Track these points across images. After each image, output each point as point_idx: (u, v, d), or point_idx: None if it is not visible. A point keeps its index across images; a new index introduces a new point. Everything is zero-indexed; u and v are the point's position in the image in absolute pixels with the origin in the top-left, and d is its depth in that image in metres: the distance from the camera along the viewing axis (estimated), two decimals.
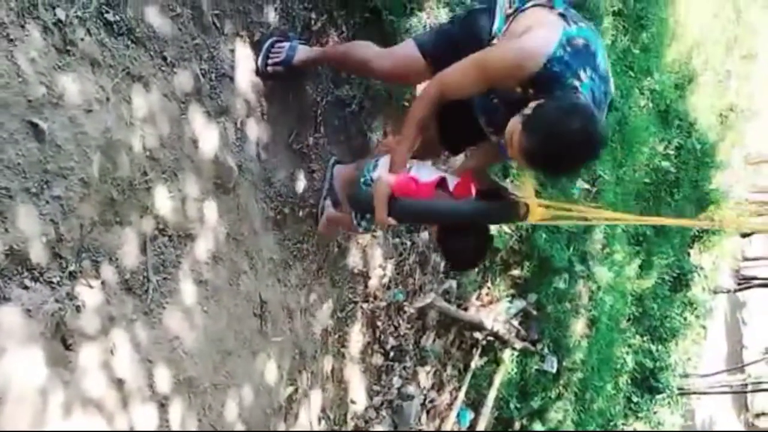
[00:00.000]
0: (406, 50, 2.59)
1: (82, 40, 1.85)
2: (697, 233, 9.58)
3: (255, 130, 2.65)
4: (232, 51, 2.48)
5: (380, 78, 3.02)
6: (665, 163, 7.87)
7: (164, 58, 2.16)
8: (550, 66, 2.12)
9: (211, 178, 2.40)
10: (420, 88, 2.88)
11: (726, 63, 10.57)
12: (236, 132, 2.53)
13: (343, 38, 3.06)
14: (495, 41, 2.37)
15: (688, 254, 9.50)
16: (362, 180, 2.62)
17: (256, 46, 2.62)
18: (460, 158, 3.34)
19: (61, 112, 1.79)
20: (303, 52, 2.73)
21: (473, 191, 2.45)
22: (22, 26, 1.70)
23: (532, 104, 2.10)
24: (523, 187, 2.11)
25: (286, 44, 2.70)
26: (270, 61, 2.67)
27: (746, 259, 17.65)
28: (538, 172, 2.29)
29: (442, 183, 2.41)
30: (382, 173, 2.47)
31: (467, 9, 2.74)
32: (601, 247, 6.44)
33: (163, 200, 2.17)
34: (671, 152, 8.04)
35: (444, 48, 2.49)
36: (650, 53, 7.19)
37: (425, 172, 2.46)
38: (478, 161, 2.81)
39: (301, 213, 3.00)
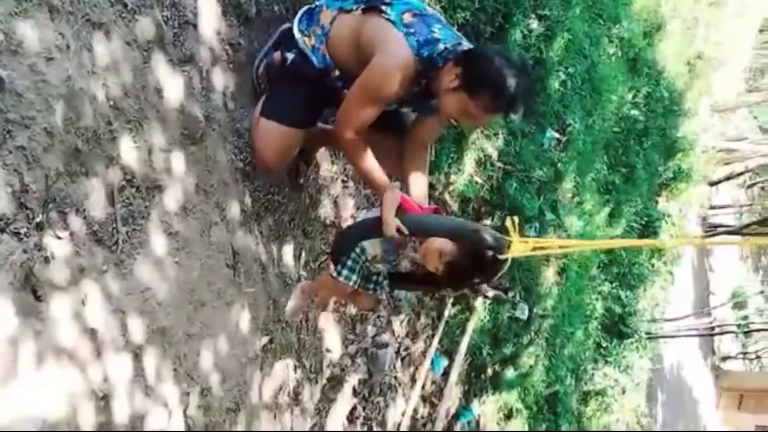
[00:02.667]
0: (273, 134, 2.64)
1: None
2: (665, 181, 9.73)
3: (221, 79, 2.62)
4: None
5: (273, 170, 2.87)
6: (634, 112, 7.95)
7: (125, 5, 2.11)
8: (421, 55, 2.34)
9: (177, 128, 2.37)
10: None
11: (694, 10, 10.60)
12: (202, 81, 2.50)
13: None
14: (321, 46, 2.55)
15: (656, 202, 9.67)
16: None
17: None
18: None
19: (20, 59, 1.75)
20: None
21: None
22: None
23: (447, 81, 2.34)
24: (508, 226, 2.25)
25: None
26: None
27: (713, 207, 18.01)
28: (505, 117, 2.40)
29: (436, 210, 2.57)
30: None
31: (271, 63, 2.76)
32: (571, 196, 6.52)
33: (129, 151, 2.14)
34: (640, 101, 8.11)
35: (300, 106, 2.66)
36: (619, 1, 7.19)
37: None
38: (420, 134, 2.78)
39: None
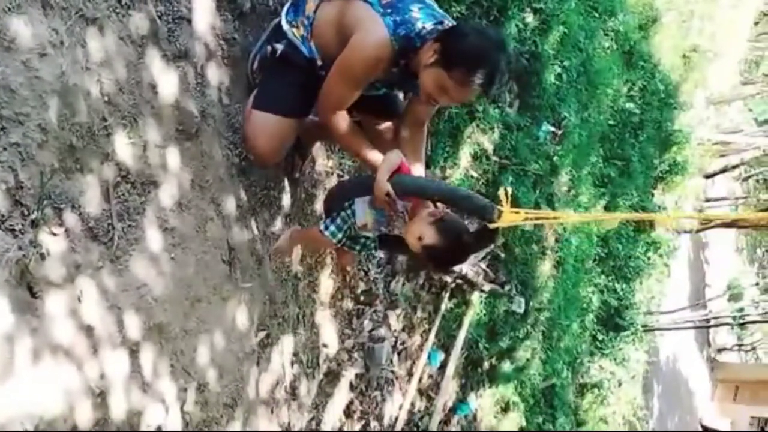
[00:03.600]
0: (266, 125, 2.62)
1: None
2: (660, 174, 9.75)
3: (216, 74, 2.61)
4: None
5: (268, 162, 2.83)
6: (629, 105, 7.95)
7: (118, 0, 2.10)
8: (397, 34, 2.32)
9: (172, 124, 2.37)
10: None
11: (689, 3, 10.59)
12: (196, 76, 2.49)
13: None
14: (308, 35, 2.54)
15: (652, 195, 9.68)
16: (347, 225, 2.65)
17: None
18: None
19: (14, 56, 1.74)
20: None
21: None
22: None
23: (425, 58, 2.33)
24: (501, 196, 2.26)
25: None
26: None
27: (708, 200, 18.04)
28: (480, 93, 2.37)
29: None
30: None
31: (265, 57, 2.73)
32: (567, 189, 6.53)
33: (124, 146, 2.13)
34: (635, 93, 8.11)
35: (293, 96, 2.64)
36: None
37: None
38: (413, 115, 2.78)
39: None
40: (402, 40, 2.34)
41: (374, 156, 2.54)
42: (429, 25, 2.36)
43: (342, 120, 2.53)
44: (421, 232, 2.44)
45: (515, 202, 2.28)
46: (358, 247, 2.82)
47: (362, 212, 2.61)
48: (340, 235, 2.67)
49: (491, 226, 2.30)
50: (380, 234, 2.76)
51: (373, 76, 2.45)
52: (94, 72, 2.01)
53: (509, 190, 2.29)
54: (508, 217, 2.27)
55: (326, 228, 2.66)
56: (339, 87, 2.45)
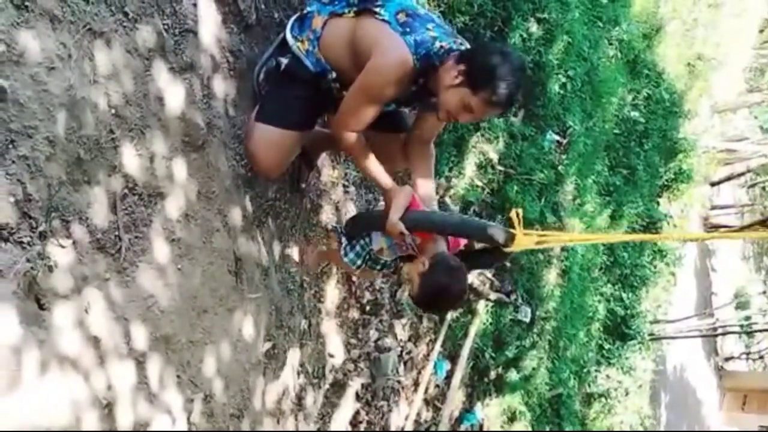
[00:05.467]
0: (270, 138, 2.63)
1: None
2: (666, 182, 9.73)
3: (222, 87, 2.63)
4: (195, 5, 2.43)
5: (271, 175, 2.85)
6: (634, 113, 7.95)
7: (125, 14, 2.11)
8: (418, 54, 2.35)
9: (179, 135, 2.38)
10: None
11: (693, 12, 10.60)
12: (203, 88, 2.51)
13: None
14: (314, 49, 2.56)
15: (657, 203, 9.66)
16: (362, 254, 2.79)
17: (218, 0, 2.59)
18: None
19: (22, 69, 1.76)
20: None
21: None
22: None
23: (448, 78, 2.36)
24: (512, 220, 2.33)
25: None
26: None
27: (714, 208, 17.98)
28: (503, 114, 2.43)
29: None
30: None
31: (270, 70, 2.76)
32: (572, 198, 6.52)
33: (131, 158, 2.15)
34: (640, 102, 8.11)
35: (297, 109, 2.67)
36: (618, 2, 7.20)
37: None
38: (422, 131, 2.80)
39: None
40: (423, 59, 2.37)
41: (386, 181, 2.60)
42: (446, 44, 2.40)
43: (358, 142, 2.55)
44: (412, 277, 2.56)
45: (521, 219, 2.31)
46: (378, 267, 2.95)
47: (377, 241, 2.78)
48: (359, 262, 2.87)
49: (507, 250, 2.34)
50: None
51: (394, 96, 2.47)
52: (101, 85, 2.03)
53: (520, 212, 2.32)
54: (522, 241, 2.31)
55: (345, 255, 2.85)
56: (360, 107, 2.46)
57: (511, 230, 2.34)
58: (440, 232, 2.55)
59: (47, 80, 1.82)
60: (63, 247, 1.90)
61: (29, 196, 1.78)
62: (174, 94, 2.35)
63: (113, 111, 2.07)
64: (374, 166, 2.61)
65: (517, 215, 2.33)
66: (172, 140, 2.35)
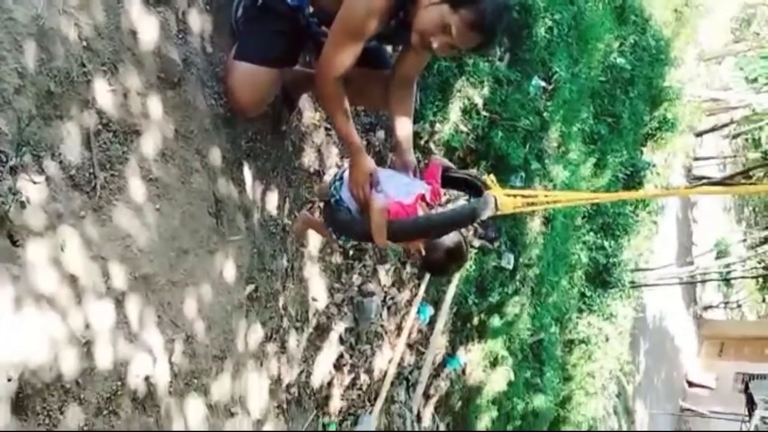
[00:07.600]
0: (248, 74, 2.57)
1: None
2: (650, 131, 9.73)
3: (198, 22, 2.55)
4: None
5: (250, 113, 2.79)
6: (620, 60, 7.88)
7: None
8: None
9: (154, 71, 2.31)
10: None
11: None
12: (178, 23, 2.43)
13: None
14: None
15: (641, 152, 9.67)
16: (334, 201, 2.64)
17: None
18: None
19: None
20: None
21: (439, 176, 2.59)
22: None
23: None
24: (486, 181, 2.35)
25: None
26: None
27: (697, 159, 18.07)
28: (478, 44, 2.32)
29: (422, 197, 2.49)
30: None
31: (246, 4, 2.68)
32: (556, 146, 6.50)
33: (104, 94, 2.09)
34: (626, 49, 8.04)
35: (275, 45, 2.58)
36: None
37: (392, 187, 2.50)
38: (404, 69, 2.72)
39: None
40: None
41: (356, 139, 2.52)
42: None
43: (338, 91, 2.45)
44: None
45: (506, 166, 2.31)
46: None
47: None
48: (350, 243, 3.08)
49: (500, 213, 2.31)
50: None
51: (375, 30, 2.37)
52: (71, 15, 1.95)
53: (492, 176, 2.35)
54: (509, 202, 2.29)
55: (333, 234, 2.80)
56: (342, 43, 2.36)
57: (493, 194, 2.31)
58: (428, 236, 2.51)
59: (12, 8, 1.76)
60: (35, 182, 1.85)
61: None
62: (148, 27, 2.27)
63: (84, 43, 2.01)
64: (346, 121, 2.51)
65: (490, 178, 2.35)
66: (147, 76, 2.28)
